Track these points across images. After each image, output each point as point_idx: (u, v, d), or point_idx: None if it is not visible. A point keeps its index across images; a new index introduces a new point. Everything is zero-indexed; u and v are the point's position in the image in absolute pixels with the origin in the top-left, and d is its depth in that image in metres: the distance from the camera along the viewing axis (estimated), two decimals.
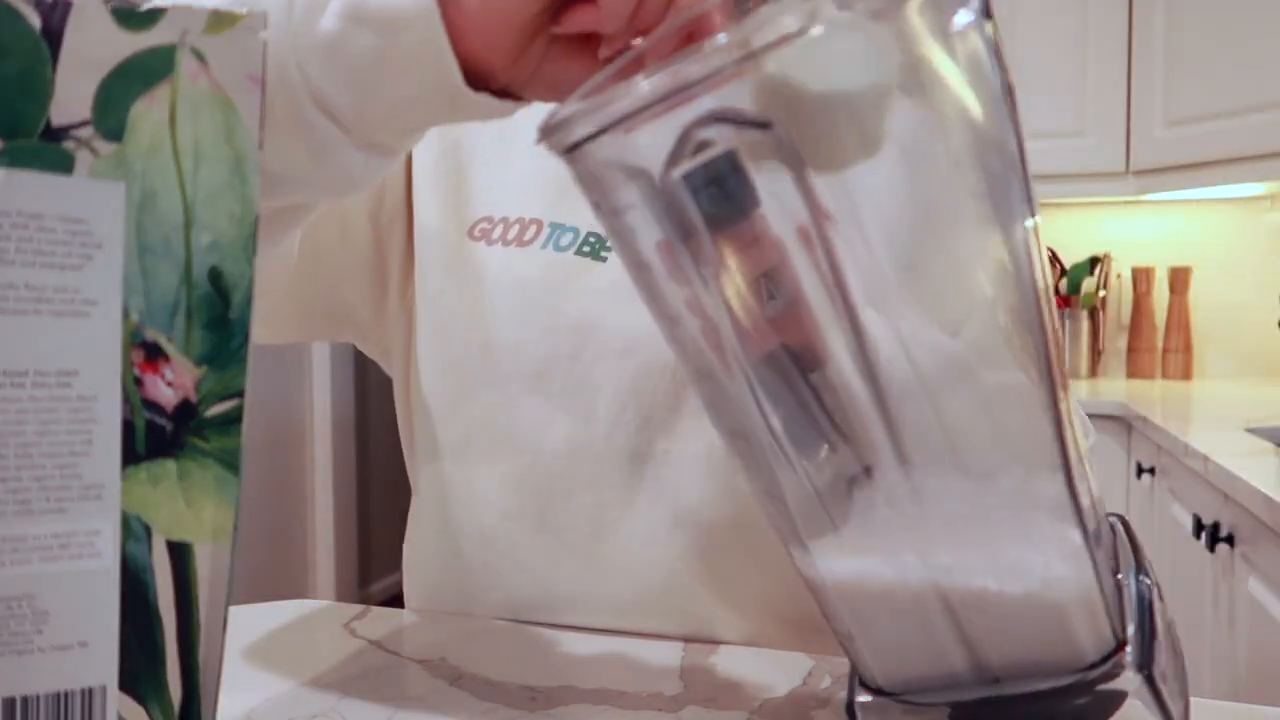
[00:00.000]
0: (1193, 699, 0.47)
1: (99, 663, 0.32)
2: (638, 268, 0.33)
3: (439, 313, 0.61)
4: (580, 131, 0.29)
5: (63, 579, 0.31)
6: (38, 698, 0.31)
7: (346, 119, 0.39)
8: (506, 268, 0.59)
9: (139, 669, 0.33)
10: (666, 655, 0.53)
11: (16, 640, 0.31)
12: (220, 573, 0.34)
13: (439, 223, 0.62)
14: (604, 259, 0.58)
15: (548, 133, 0.30)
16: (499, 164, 0.62)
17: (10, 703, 0.31)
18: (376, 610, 0.61)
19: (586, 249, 0.59)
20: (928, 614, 0.34)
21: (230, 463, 0.34)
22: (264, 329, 0.63)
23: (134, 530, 0.32)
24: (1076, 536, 0.32)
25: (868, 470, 0.32)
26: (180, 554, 0.33)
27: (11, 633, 0.31)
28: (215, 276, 0.33)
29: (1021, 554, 0.33)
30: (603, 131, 0.29)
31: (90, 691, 0.32)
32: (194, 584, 0.33)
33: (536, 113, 0.64)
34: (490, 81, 0.39)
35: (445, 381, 0.61)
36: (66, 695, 0.31)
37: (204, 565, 0.33)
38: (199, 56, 0.33)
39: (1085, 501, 0.33)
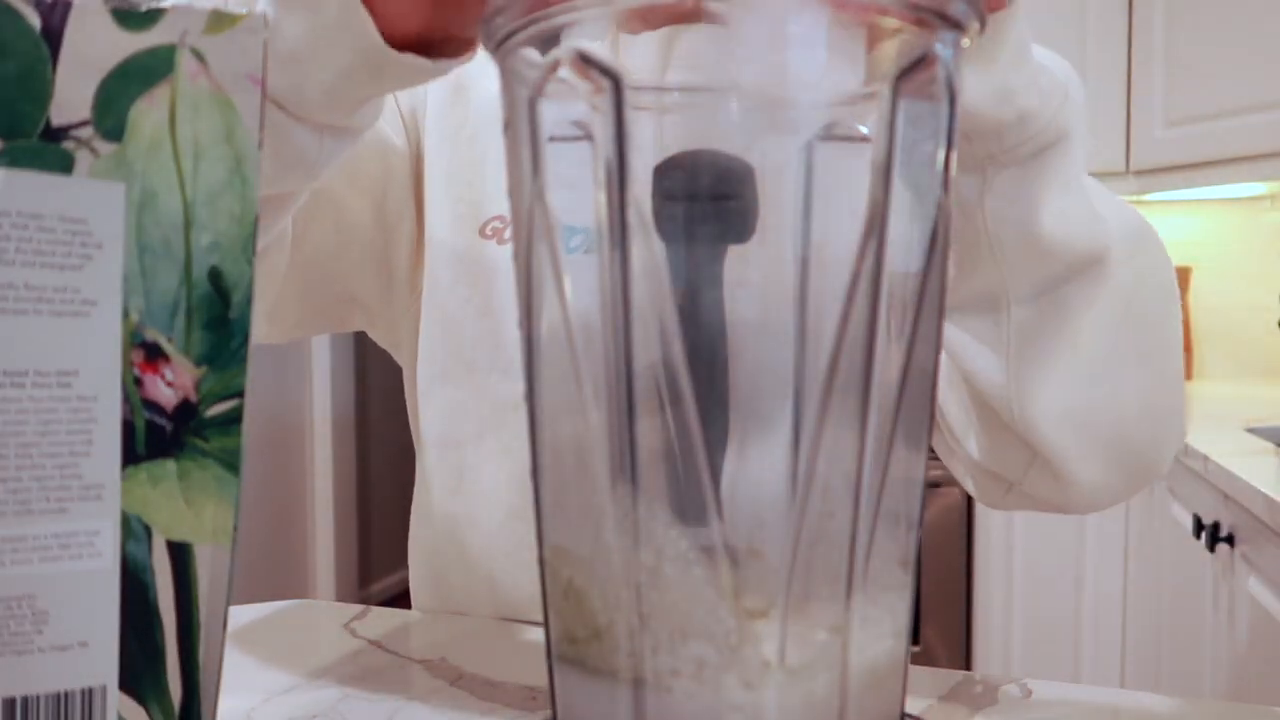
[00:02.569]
0: (1193, 699, 0.47)
1: (99, 663, 0.32)
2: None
3: (450, 310, 0.61)
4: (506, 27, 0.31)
5: (63, 579, 0.31)
6: (38, 698, 0.31)
7: (290, 105, 0.40)
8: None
9: (139, 669, 0.32)
10: None
11: (16, 640, 0.31)
12: (220, 573, 0.34)
13: (452, 220, 0.61)
14: None
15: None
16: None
17: (10, 703, 0.31)
18: (376, 610, 0.61)
19: (595, 248, 0.59)
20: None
21: (230, 463, 0.34)
22: (271, 327, 0.64)
23: (134, 530, 0.32)
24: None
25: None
26: (180, 554, 0.33)
27: (11, 633, 0.31)
28: (215, 276, 0.33)
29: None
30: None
31: (90, 691, 0.32)
32: (194, 584, 0.33)
33: None
34: (414, 43, 0.40)
35: (455, 379, 0.61)
36: (66, 695, 0.31)
37: (204, 565, 0.33)
38: (199, 56, 0.33)
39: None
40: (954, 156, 0.32)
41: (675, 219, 0.34)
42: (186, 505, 0.33)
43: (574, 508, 0.34)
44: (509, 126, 0.34)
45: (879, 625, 0.32)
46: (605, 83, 0.28)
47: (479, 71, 0.64)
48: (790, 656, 0.30)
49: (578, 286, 0.32)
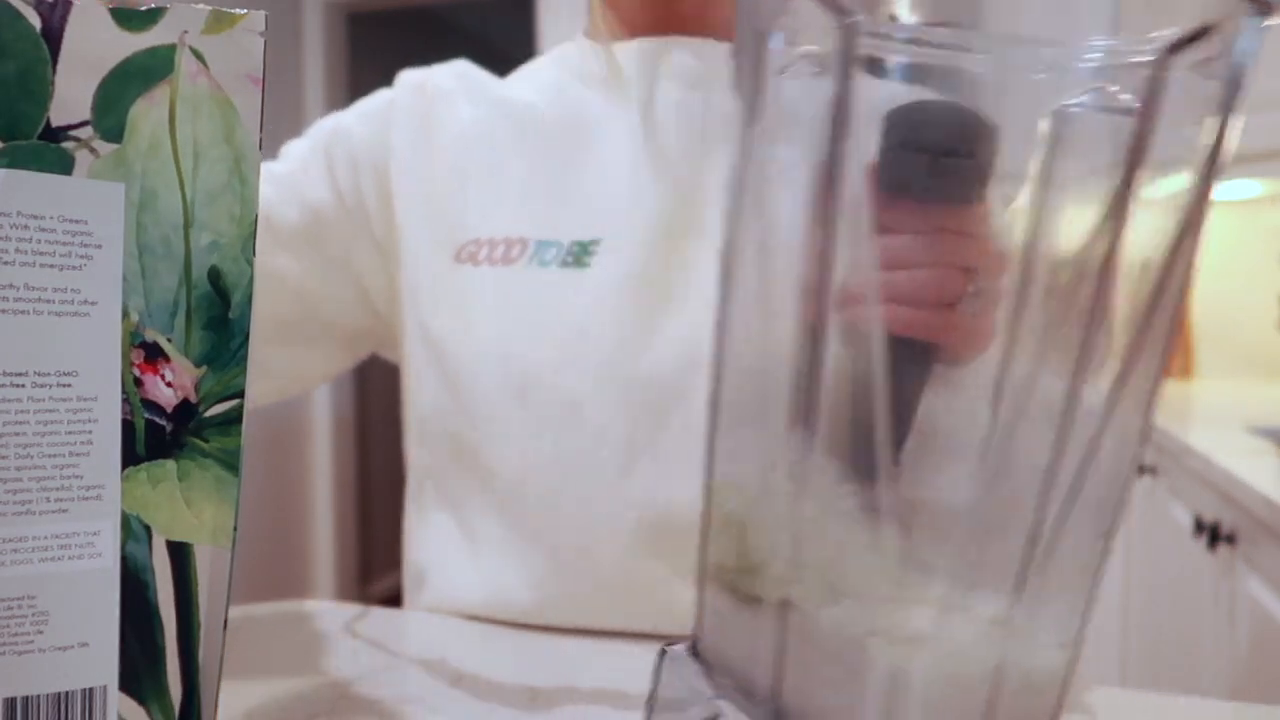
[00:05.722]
0: (1193, 699, 0.47)
1: (99, 663, 0.32)
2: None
3: (432, 334, 0.62)
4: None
5: (63, 579, 0.31)
6: (38, 698, 0.31)
7: None
8: (493, 287, 0.60)
9: (139, 669, 0.32)
10: None
11: (17, 641, 0.31)
12: (220, 573, 0.33)
13: (430, 247, 0.63)
14: (587, 265, 0.59)
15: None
16: (486, 188, 0.64)
17: (11, 703, 0.31)
18: (376, 610, 0.61)
19: (570, 259, 0.59)
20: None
21: (230, 463, 0.34)
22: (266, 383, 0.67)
23: (134, 530, 0.32)
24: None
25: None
26: (180, 554, 0.33)
27: (12, 633, 0.31)
28: (215, 276, 0.33)
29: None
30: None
31: (91, 692, 0.31)
32: (194, 584, 0.33)
33: (520, 134, 0.65)
34: None
35: (440, 401, 0.61)
36: (67, 696, 0.31)
37: (204, 565, 0.33)
38: (198, 56, 0.33)
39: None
40: (1227, 144, 0.29)
41: (900, 169, 0.31)
42: (186, 505, 0.33)
43: (747, 444, 0.32)
44: (736, 53, 0.32)
45: (1044, 630, 0.30)
46: (837, 19, 0.26)
47: (447, 108, 0.66)
48: (945, 636, 0.28)
49: (787, 212, 0.30)
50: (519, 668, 0.51)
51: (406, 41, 3.62)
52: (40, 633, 0.31)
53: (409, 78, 0.68)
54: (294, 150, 0.68)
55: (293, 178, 0.65)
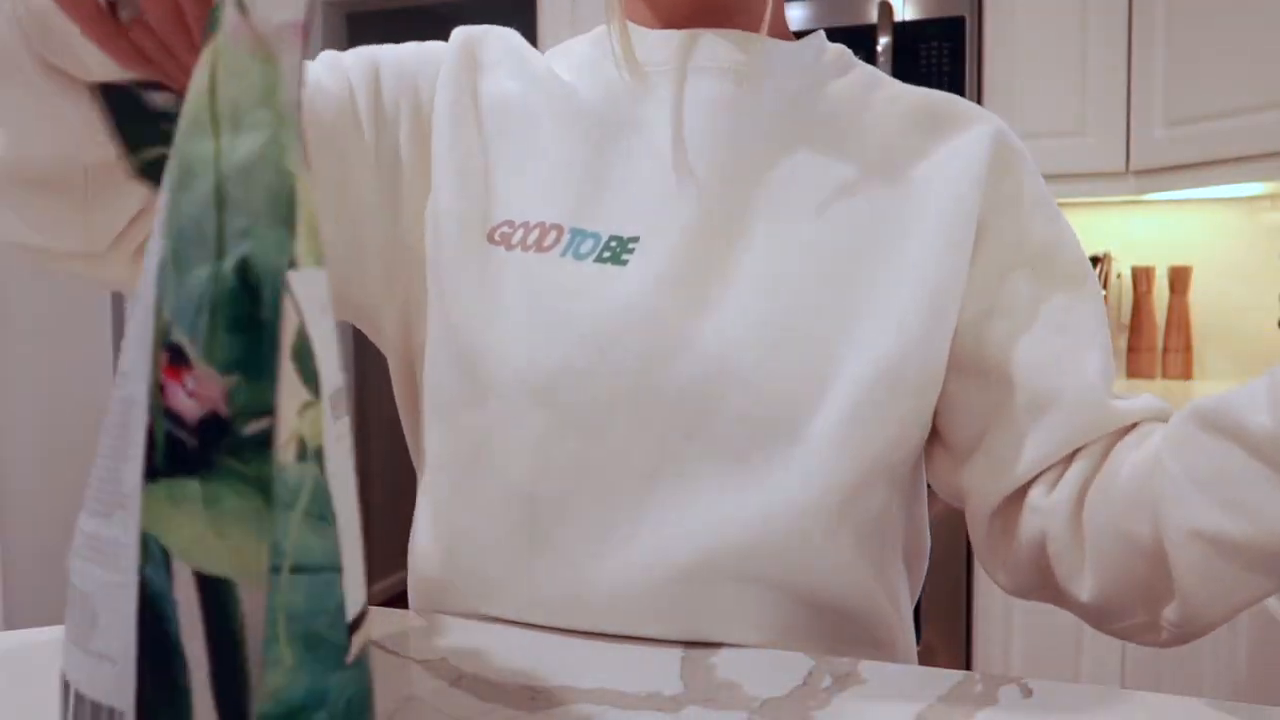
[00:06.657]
0: (1193, 699, 0.47)
1: (122, 684, 0.29)
2: None
3: (454, 313, 0.59)
4: None
5: (106, 586, 0.29)
6: (84, 700, 0.29)
7: None
8: (524, 274, 0.58)
9: (156, 708, 0.28)
10: (666, 655, 0.53)
11: (78, 633, 0.29)
12: (255, 615, 0.29)
13: (460, 223, 0.60)
14: (625, 262, 0.57)
15: None
16: (522, 168, 0.62)
17: (67, 687, 0.30)
18: (376, 610, 0.61)
19: (607, 254, 0.58)
20: None
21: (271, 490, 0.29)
22: None
23: (151, 552, 0.28)
24: None
25: None
26: (214, 590, 0.28)
27: (75, 623, 0.29)
28: (244, 268, 0.29)
29: None
30: None
31: (113, 712, 0.29)
32: (238, 626, 0.28)
33: (559, 116, 0.63)
34: None
35: (456, 385, 0.59)
36: (97, 707, 0.29)
37: (251, 606, 0.29)
38: (240, 7, 0.30)
39: None
40: None
41: None
42: (215, 535, 0.28)
43: None
44: None
45: None
46: None
47: (491, 78, 0.64)
48: None
49: None
50: (519, 668, 0.51)
51: (406, 41, 3.61)
52: (92, 634, 0.29)
53: (461, 37, 0.66)
54: (340, 65, 0.63)
55: (339, 100, 0.60)
